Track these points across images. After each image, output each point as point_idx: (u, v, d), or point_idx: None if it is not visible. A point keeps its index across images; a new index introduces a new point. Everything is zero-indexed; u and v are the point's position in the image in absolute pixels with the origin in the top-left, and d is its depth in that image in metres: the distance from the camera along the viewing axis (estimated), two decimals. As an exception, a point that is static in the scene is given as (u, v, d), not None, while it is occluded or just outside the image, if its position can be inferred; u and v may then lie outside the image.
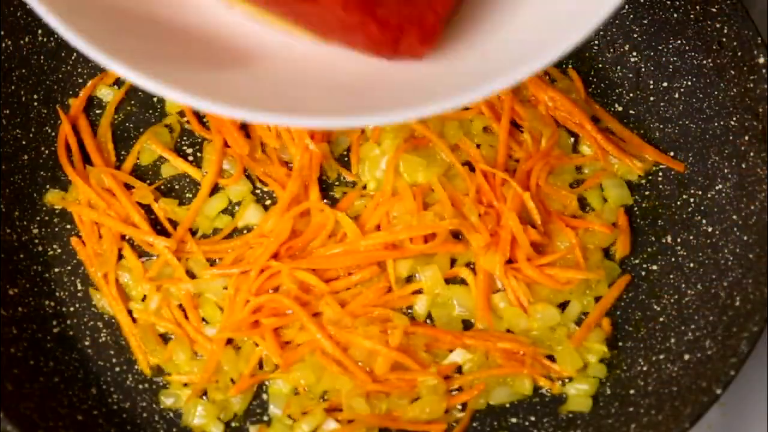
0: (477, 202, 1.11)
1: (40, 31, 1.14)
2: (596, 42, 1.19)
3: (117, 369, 1.09)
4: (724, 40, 1.10)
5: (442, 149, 1.13)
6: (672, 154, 1.15)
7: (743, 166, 1.08)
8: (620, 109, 1.18)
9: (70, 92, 1.16)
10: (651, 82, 1.17)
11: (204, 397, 1.08)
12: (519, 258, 1.09)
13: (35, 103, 1.15)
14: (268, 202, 1.14)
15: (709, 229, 1.10)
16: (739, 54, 1.08)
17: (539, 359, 1.07)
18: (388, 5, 0.85)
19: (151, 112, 1.17)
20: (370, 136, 1.15)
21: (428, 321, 1.10)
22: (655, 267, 1.12)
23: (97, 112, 1.17)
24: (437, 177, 1.12)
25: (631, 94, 1.18)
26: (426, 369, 1.06)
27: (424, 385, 1.06)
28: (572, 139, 1.16)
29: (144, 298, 1.10)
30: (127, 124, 1.16)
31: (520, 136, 1.15)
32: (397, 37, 0.86)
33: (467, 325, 1.09)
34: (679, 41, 1.14)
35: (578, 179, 1.15)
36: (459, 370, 1.08)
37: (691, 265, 1.10)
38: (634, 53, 1.17)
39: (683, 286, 1.10)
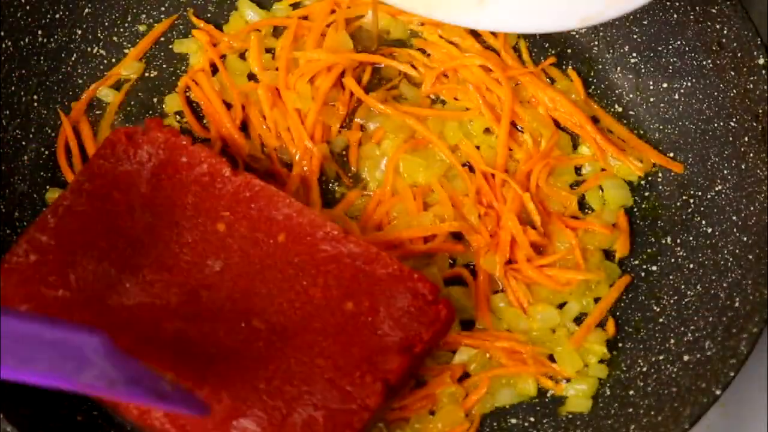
0: (477, 202, 1.11)
1: (40, 32, 1.14)
2: (596, 43, 1.19)
3: (117, 370, 1.09)
4: (723, 41, 1.09)
5: (442, 150, 1.13)
6: (671, 155, 1.15)
7: (743, 167, 1.08)
8: (620, 109, 1.18)
9: (70, 93, 1.16)
10: (651, 83, 1.17)
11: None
12: (519, 259, 1.09)
13: (35, 104, 1.14)
14: (268, 203, 1.14)
15: (709, 230, 1.10)
16: (739, 55, 1.08)
17: (540, 359, 1.07)
18: None
19: (150, 113, 1.17)
20: (372, 136, 1.15)
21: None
22: (654, 268, 1.12)
23: (98, 113, 1.17)
24: (437, 178, 1.12)
25: (631, 95, 1.18)
26: (441, 374, 1.06)
27: (444, 394, 1.05)
28: (572, 141, 1.16)
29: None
30: (126, 125, 1.16)
31: (520, 136, 1.15)
32: None
33: (467, 325, 1.09)
34: (679, 42, 1.14)
35: (578, 180, 1.15)
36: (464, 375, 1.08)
37: (691, 266, 1.10)
38: (634, 54, 1.17)
39: (683, 287, 1.10)
